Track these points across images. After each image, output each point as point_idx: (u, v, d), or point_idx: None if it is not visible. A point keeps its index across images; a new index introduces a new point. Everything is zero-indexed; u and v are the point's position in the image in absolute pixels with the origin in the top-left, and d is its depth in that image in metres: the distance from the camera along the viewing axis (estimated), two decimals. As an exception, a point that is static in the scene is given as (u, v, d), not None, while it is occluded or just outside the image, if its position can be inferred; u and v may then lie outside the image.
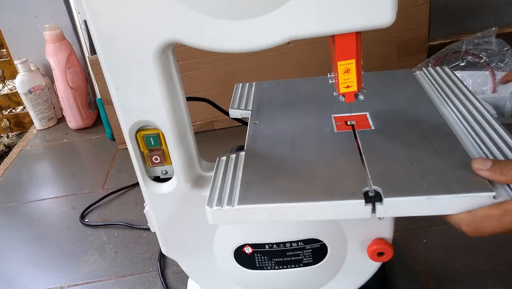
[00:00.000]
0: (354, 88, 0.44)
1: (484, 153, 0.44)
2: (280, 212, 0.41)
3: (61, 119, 1.51)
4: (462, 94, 0.56)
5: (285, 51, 1.15)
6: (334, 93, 0.46)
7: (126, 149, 0.49)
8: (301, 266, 0.53)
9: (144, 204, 0.54)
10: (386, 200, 0.39)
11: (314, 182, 0.43)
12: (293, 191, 0.42)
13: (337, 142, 0.50)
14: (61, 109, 1.46)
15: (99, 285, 0.79)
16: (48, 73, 1.45)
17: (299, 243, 0.51)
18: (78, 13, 1.24)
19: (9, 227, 0.99)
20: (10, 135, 1.72)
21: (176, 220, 0.53)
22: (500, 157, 0.42)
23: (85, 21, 1.22)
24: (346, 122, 0.53)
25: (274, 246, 0.52)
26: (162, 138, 0.48)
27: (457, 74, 0.62)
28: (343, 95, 0.45)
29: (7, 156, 1.35)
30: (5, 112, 1.63)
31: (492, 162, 0.39)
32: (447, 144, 0.46)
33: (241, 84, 0.70)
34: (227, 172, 0.47)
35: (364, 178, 0.42)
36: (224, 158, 0.50)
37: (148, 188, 0.51)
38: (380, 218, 0.42)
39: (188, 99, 0.50)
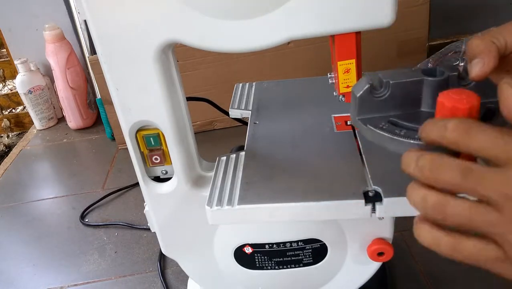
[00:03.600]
0: (354, 88, 0.44)
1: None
2: (280, 212, 0.41)
3: (61, 119, 1.51)
4: None
5: (285, 51, 1.15)
6: (334, 93, 0.46)
7: (126, 149, 0.49)
8: (301, 266, 0.53)
9: (144, 204, 0.54)
10: (386, 200, 0.39)
11: (314, 182, 0.43)
12: (293, 191, 0.42)
13: (337, 142, 0.50)
14: (61, 109, 1.46)
15: (99, 285, 0.79)
16: (48, 73, 1.45)
17: (299, 243, 0.51)
18: (78, 13, 1.24)
19: (9, 227, 0.99)
20: (10, 135, 1.72)
21: (176, 220, 0.53)
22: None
23: (85, 21, 1.22)
24: (346, 122, 0.53)
25: (274, 246, 0.52)
26: (162, 138, 0.48)
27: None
28: (343, 95, 0.45)
29: (7, 156, 1.35)
30: (5, 112, 1.63)
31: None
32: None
33: (241, 84, 0.70)
34: (227, 172, 0.47)
35: (364, 178, 0.42)
36: (224, 158, 0.50)
37: (148, 188, 0.51)
38: (380, 218, 0.42)
39: (188, 99, 0.50)
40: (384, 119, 0.37)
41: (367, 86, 0.37)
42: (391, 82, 0.36)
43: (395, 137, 0.35)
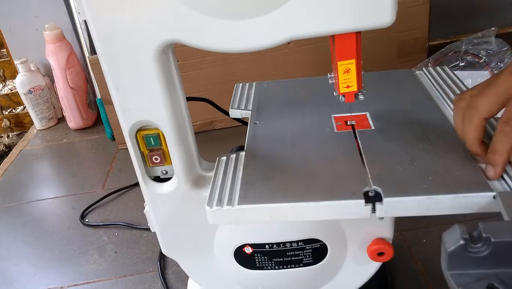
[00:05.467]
0: (354, 88, 0.44)
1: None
2: (280, 212, 0.41)
3: (61, 119, 1.51)
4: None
5: (285, 51, 1.15)
6: (334, 93, 0.46)
7: (126, 149, 0.49)
8: (301, 266, 0.53)
9: (144, 204, 0.54)
10: (386, 200, 0.39)
11: (314, 182, 0.43)
12: (293, 191, 0.42)
13: (337, 142, 0.50)
14: (61, 109, 1.46)
15: (99, 285, 0.79)
16: (48, 73, 1.45)
17: (299, 243, 0.51)
18: (78, 13, 1.24)
19: (9, 227, 0.99)
20: (10, 135, 1.72)
21: (176, 220, 0.53)
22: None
23: (85, 21, 1.22)
24: (346, 122, 0.53)
25: (274, 246, 0.52)
26: (162, 138, 0.48)
27: (457, 74, 0.62)
28: (343, 95, 0.45)
29: (7, 156, 1.35)
30: (5, 112, 1.63)
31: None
32: (447, 144, 0.46)
33: (241, 84, 0.70)
34: (227, 172, 0.47)
35: (364, 178, 0.42)
36: (224, 158, 0.50)
37: (148, 188, 0.51)
38: (380, 218, 0.42)
39: (188, 99, 0.50)
40: (481, 279, 0.31)
41: (461, 242, 0.31)
42: (492, 240, 0.30)
43: None
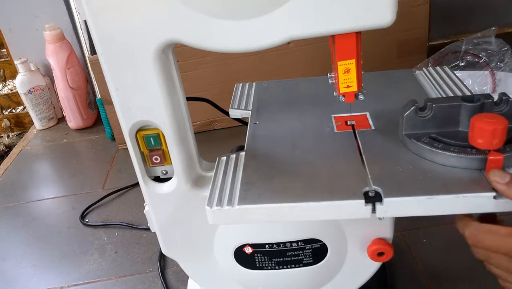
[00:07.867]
0: (354, 88, 0.44)
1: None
2: (280, 212, 0.41)
3: (61, 119, 1.51)
4: (461, 94, 0.56)
5: (285, 51, 1.15)
6: (334, 93, 0.46)
7: (126, 149, 0.49)
8: (301, 266, 0.53)
9: (144, 204, 0.54)
10: (386, 200, 0.39)
11: (314, 182, 0.43)
12: (293, 191, 0.42)
13: (337, 142, 0.50)
14: (61, 109, 1.46)
15: (99, 285, 0.79)
16: (48, 73, 1.45)
17: (299, 243, 0.51)
18: (78, 13, 1.24)
19: (9, 227, 0.99)
20: (11, 135, 1.72)
21: (176, 220, 0.53)
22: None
23: (85, 21, 1.22)
24: (346, 122, 0.53)
25: (274, 246, 0.52)
26: (162, 138, 0.48)
27: (457, 74, 0.62)
28: (343, 95, 0.45)
29: (7, 156, 1.35)
30: (6, 112, 1.63)
31: (511, 176, 0.37)
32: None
33: (241, 84, 0.70)
34: (227, 172, 0.47)
35: (364, 178, 0.42)
36: (224, 158, 0.50)
37: (148, 188, 0.51)
38: (380, 218, 0.42)
39: (188, 99, 0.50)
40: (426, 135, 0.43)
41: (413, 107, 0.44)
42: (434, 105, 0.43)
43: (433, 149, 0.42)
